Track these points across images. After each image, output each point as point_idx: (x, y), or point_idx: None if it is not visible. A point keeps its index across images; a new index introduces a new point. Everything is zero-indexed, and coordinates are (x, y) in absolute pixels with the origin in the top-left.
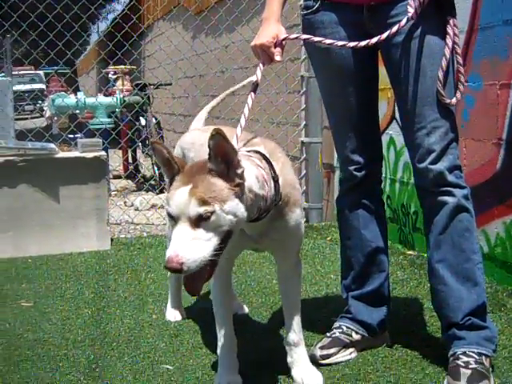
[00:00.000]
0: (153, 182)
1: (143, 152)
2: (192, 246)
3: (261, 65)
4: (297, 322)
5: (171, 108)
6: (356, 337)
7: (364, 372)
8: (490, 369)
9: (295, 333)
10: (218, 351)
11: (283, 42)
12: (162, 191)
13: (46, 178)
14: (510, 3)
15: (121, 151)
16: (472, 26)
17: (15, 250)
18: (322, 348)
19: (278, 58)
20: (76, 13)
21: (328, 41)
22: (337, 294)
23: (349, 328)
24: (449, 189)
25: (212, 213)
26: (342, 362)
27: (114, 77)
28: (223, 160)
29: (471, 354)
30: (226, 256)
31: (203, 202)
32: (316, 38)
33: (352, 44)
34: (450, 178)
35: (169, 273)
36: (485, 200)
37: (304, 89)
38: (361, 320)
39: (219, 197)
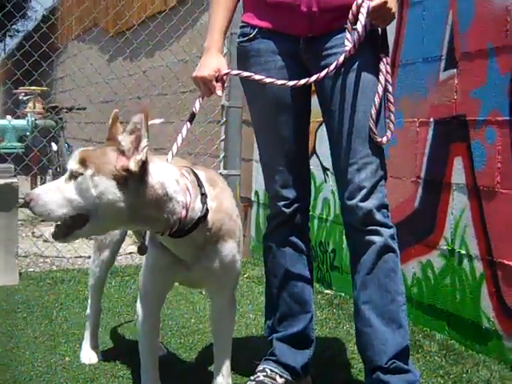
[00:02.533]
0: None
1: (54, 179)
2: (50, 192)
3: (199, 98)
4: (226, 365)
5: (86, 133)
6: (280, 380)
7: None
8: None
9: (223, 377)
10: None
11: (224, 77)
12: None
13: None
14: (430, 41)
15: (29, 178)
16: (394, 62)
17: None
18: None
19: (219, 92)
20: None
21: (268, 80)
22: (256, 335)
23: (273, 371)
24: (376, 228)
25: (81, 174)
26: None
27: (26, 98)
28: (134, 140)
29: None
30: (159, 284)
31: (81, 162)
32: (257, 77)
33: (291, 83)
34: (378, 216)
35: (87, 310)
36: (403, 239)
37: (224, 118)
38: (285, 363)
39: (99, 166)
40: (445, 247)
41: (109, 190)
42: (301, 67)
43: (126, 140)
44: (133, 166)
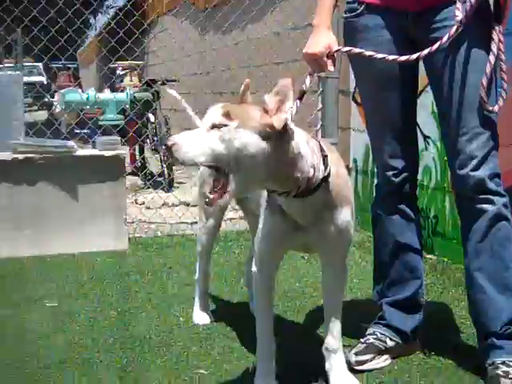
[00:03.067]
0: (160, 180)
1: (152, 149)
2: (193, 139)
3: (309, 76)
4: (337, 328)
5: (177, 105)
6: (390, 343)
7: (401, 380)
8: None
9: (334, 339)
10: (258, 353)
11: (335, 54)
12: (170, 188)
13: (65, 176)
14: None
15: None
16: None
17: (33, 248)
18: (356, 354)
19: (331, 68)
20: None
21: (379, 55)
22: (360, 299)
23: (383, 334)
24: (489, 196)
25: (225, 125)
26: (376, 368)
27: (122, 72)
28: (279, 101)
29: (511, 363)
30: (277, 250)
31: (225, 115)
32: (368, 53)
33: (403, 58)
34: (491, 185)
35: (197, 275)
36: None
37: (321, 88)
38: (395, 327)
39: (243, 120)
40: None
41: (252, 143)
42: (409, 42)
43: (271, 100)
44: (277, 123)
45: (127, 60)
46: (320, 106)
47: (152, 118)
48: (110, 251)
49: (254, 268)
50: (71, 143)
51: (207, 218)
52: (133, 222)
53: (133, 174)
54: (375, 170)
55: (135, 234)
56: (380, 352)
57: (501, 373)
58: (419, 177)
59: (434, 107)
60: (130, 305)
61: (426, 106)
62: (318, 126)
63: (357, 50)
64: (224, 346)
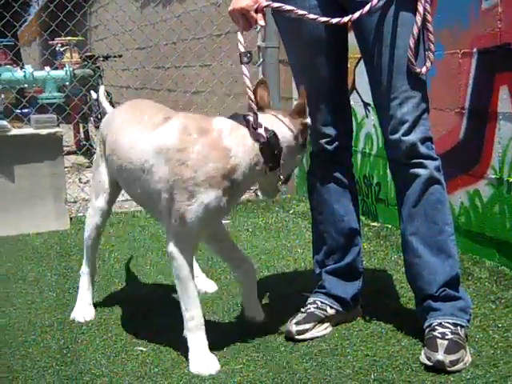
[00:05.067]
0: None
1: (96, 126)
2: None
3: (239, 33)
4: None
5: (123, 81)
6: (330, 311)
7: (341, 346)
8: (465, 339)
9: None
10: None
11: (264, 10)
12: None
13: (0, 157)
14: None
15: (72, 126)
16: None
17: None
18: (297, 324)
19: (261, 22)
20: None
21: (311, 16)
22: (305, 268)
23: (323, 303)
24: (421, 160)
25: None
26: (317, 337)
27: (62, 49)
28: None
29: (447, 324)
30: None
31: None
32: (300, 12)
33: (323, 19)
34: (423, 149)
35: (83, 267)
36: (448, 170)
37: (261, 59)
38: (335, 295)
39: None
40: (492, 176)
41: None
42: (336, 5)
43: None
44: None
45: (69, 37)
46: (261, 76)
47: (94, 94)
48: (51, 231)
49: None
50: (4, 123)
51: (97, 196)
52: (75, 202)
53: (77, 152)
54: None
55: (78, 213)
56: (320, 320)
57: (437, 334)
58: (361, 145)
59: None
60: (70, 285)
61: (365, 74)
62: None
63: (288, 7)
64: (163, 323)
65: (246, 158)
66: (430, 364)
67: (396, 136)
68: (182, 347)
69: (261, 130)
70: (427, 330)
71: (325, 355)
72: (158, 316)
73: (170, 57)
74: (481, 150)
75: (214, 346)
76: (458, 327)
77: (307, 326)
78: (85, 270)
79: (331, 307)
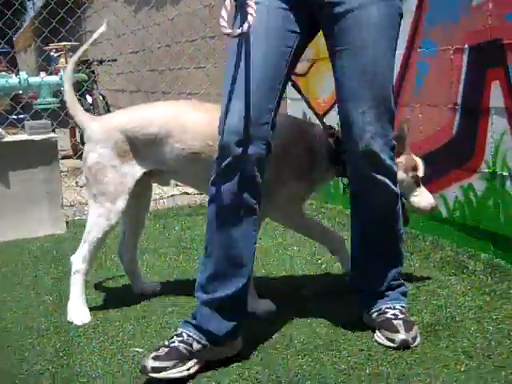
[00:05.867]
0: None
1: None
2: None
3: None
4: None
5: (118, 84)
6: (196, 347)
7: (336, 342)
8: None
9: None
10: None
11: None
12: None
13: None
14: None
15: (68, 131)
16: None
17: None
18: (155, 358)
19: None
20: None
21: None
22: (301, 266)
23: (190, 337)
24: (382, 170)
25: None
26: (175, 378)
27: (57, 54)
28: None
29: (396, 306)
30: None
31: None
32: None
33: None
34: (384, 159)
35: (83, 265)
36: (442, 165)
37: None
38: (206, 329)
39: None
40: (486, 170)
41: None
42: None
43: None
44: None
45: (66, 41)
46: None
47: (89, 98)
48: (47, 236)
49: None
50: None
51: (115, 198)
52: (72, 206)
53: (73, 156)
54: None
55: (74, 217)
56: (184, 357)
57: (391, 316)
58: None
59: None
60: (67, 289)
61: None
62: None
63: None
64: (161, 323)
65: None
66: (395, 345)
67: (358, 144)
68: None
69: None
70: (376, 313)
71: (320, 351)
72: (153, 317)
73: (163, 59)
74: (474, 145)
75: None
76: (404, 309)
77: (166, 363)
78: (82, 268)
79: (198, 342)
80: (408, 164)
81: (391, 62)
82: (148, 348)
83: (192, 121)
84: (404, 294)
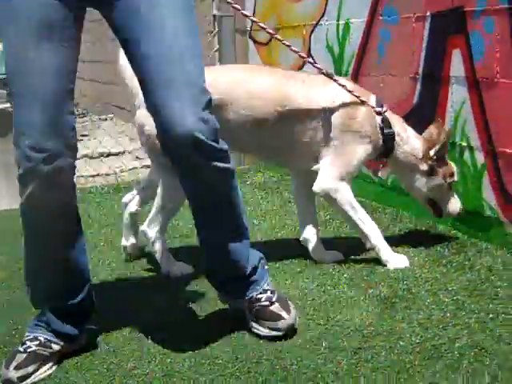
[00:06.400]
0: None
1: None
2: None
3: None
4: None
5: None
6: (56, 348)
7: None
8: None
9: None
10: None
11: None
12: None
13: None
14: None
15: None
16: None
17: None
18: (17, 368)
19: None
20: None
21: None
22: (261, 239)
23: (48, 340)
24: (206, 152)
25: None
26: (42, 379)
27: None
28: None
29: (265, 287)
30: None
31: None
32: None
33: None
34: (207, 141)
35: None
36: None
37: (216, 28)
38: (62, 332)
39: None
40: None
41: None
42: None
43: None
44: None
45: None
46: (217, 46)
47: None
48: (4, 210)
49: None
50: None
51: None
52: None
53: None
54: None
55: None
56: (45, 359)
57: (266, 303)
58: None
59: (328, 41)
60: (22, 265)
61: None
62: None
63: None
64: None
65: None
66: (280, 333)
67: (176, 130)
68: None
69: None
70: (247, 303)
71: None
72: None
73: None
74: (434, 115)
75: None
76: (271, 286)
77: (30, 369)
78: (160, 236)
79: (57, 343)
80: (447, 171)
81: (196, 42)
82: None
83: (262, 85)
84: (264, 267)
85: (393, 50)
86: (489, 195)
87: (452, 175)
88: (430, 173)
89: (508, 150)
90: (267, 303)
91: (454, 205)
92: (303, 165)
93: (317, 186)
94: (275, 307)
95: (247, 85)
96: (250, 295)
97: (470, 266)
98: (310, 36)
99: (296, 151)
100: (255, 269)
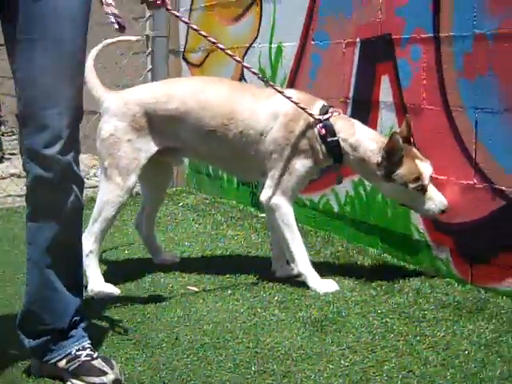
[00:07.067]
0: None
1: None
2: None
3: None
4: None
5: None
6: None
7: (223, 340)
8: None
9: None
10: None
11: None
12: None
13: None
14: None
15: None
16: None
17: None
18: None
19: None
20: None
21: None
22: (192, 262)
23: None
24: (72, 181)
25: None
26: None
27: None
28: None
29: (85, 346)
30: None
31: None
32: None
33: None
34: (75, 169)
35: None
36: None
37: (149, 49)
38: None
39: None
40: None
41: None
42: None
43: None
44: None
45: None
46: (150, 66)
47: None
48: None
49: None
50: None
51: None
52: None
53: None
54: None
55: None
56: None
57: (87, 358)
58: None
59: (261, 64)
60: None
61: None
62: None
63: None
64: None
65: None
66: None
67: (50, 151)
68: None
69: None
70: (66, 360)
71: (206, 349)
72: None
73: None
74: None
75: (93, 343)
76: (90, 344)
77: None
78: (95, 248)
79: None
80: (409, 176)
81: (84, 59)
82: None
83: (212, 98)
84: (86, 328)
85: (324, 74)
86: (416, 219)
87: (416, 180)
88: (389, 178)
89: (433, 175)
90: (89, 358)
91: (433, 204)
92: (252, 177)
93: (262, 198)
94: (98, 362)
95: (199, 96)
96: (68, 351)
97: (399, 289)
98: (243, 58)
99: (243, 163)
100: (75, 326)
